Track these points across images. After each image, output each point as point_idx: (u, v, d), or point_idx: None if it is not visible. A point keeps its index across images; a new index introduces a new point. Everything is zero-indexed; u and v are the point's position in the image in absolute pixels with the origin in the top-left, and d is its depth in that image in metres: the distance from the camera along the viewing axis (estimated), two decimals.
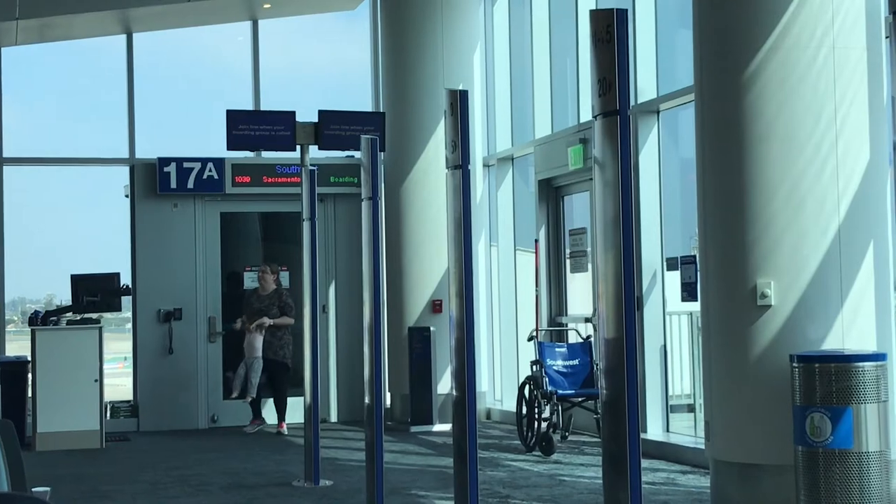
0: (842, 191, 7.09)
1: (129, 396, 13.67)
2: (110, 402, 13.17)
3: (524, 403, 10.74)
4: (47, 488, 3.75)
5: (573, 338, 11.52)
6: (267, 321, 12.75)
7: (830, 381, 6.60)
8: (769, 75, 7.17)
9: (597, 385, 10.37)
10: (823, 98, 7.11)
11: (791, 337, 7.02)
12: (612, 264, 4.21)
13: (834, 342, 7.00)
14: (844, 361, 6.64)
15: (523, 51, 13.32)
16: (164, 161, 13.41)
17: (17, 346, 13.66)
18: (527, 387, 10.74)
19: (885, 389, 6.64)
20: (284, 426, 12.78)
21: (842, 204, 7.09)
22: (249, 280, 13.80)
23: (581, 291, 12.03)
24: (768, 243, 7.13)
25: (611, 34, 4.14)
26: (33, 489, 3.68)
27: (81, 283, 12.37)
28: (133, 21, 13.79)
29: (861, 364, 6.60)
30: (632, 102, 8.03)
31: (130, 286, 13.11)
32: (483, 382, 13.25)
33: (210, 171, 13.48)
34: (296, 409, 12.88)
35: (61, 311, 12.39)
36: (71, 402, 11.60)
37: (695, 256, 9.65)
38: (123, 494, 8.89)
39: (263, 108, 13.71)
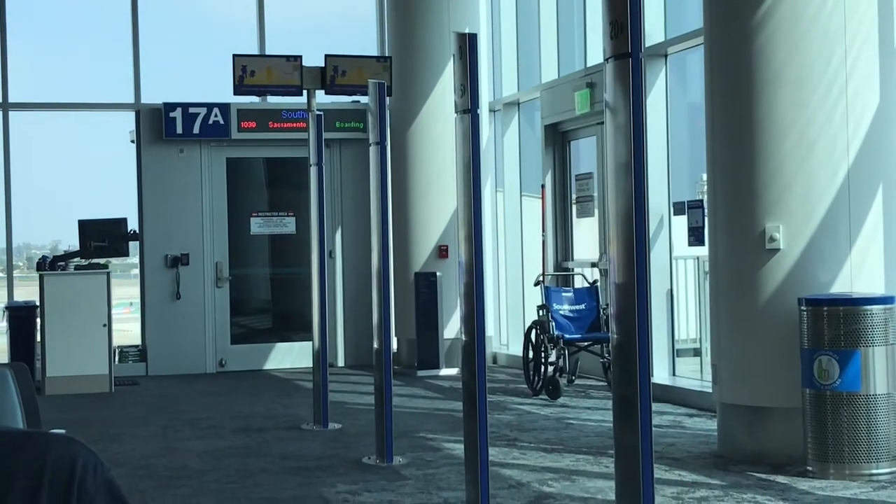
0: (851, 134, 7.06)
1: (137, 341, 13.74)
2: (119, 347, 13.23)
3: (531, 348, 10.79)
4: (62, 431, 3.78)
5: (579, 282, 11.55)
6: None
7: (839, 324, 6.62)
8: (779, 18, 7.12)
9: (603, 329, 10.41)
10: (834, 41, 7.06)
11: (800, 280, 7.03)
12: (623, 208, 4.20)
13: (842, 285, 7.01)
14: (853, 304, 6.66)
15: None
16: (170, 106, 13.37)
17: (23, 292, 13.69)
18: (533, 331, 10.78)
19: (893, 332, 6.66)
20: None
21: (851, 147, 7.07)
22: (256, 226, 13.82)
23: (587, 236, 12.03)
24: (778, 187, 7.11)
25: None
26: (50, 431, 3.71)
27: (89, 229, 12.37)
28: None
29: (869, 307, 6.62)
30: None
31: (138, 231, 13.13)
32: (489, 327, 13.27)
33: (216, 116, 13.44)
34: (304, 354, 12.94)
35: (69, 256, 12.40)
36: (80, 347, 11.65)
37: (702, 201, 9.64)
38: (134, 437, 8.95)
39: (269, 52, 13.62)
